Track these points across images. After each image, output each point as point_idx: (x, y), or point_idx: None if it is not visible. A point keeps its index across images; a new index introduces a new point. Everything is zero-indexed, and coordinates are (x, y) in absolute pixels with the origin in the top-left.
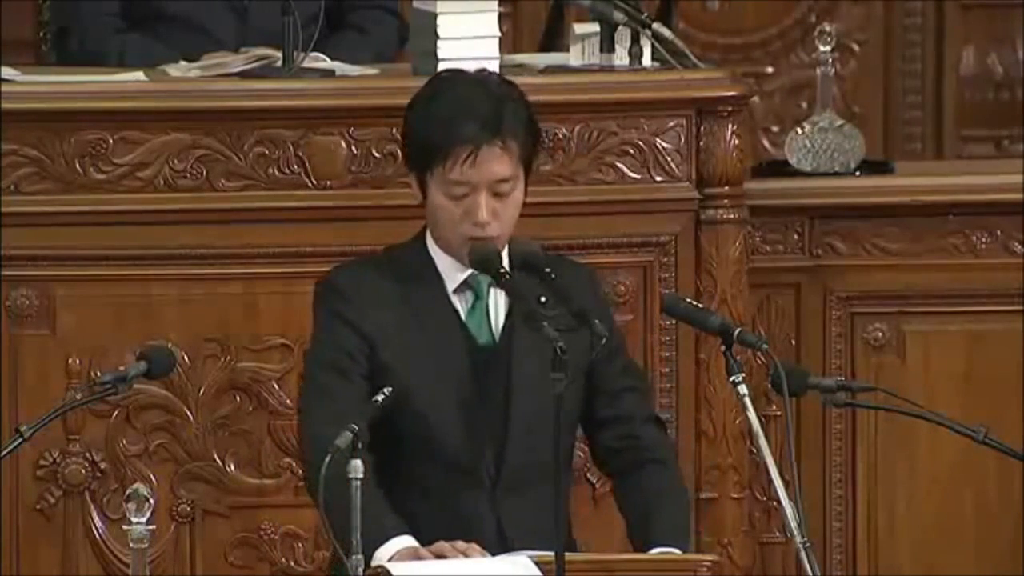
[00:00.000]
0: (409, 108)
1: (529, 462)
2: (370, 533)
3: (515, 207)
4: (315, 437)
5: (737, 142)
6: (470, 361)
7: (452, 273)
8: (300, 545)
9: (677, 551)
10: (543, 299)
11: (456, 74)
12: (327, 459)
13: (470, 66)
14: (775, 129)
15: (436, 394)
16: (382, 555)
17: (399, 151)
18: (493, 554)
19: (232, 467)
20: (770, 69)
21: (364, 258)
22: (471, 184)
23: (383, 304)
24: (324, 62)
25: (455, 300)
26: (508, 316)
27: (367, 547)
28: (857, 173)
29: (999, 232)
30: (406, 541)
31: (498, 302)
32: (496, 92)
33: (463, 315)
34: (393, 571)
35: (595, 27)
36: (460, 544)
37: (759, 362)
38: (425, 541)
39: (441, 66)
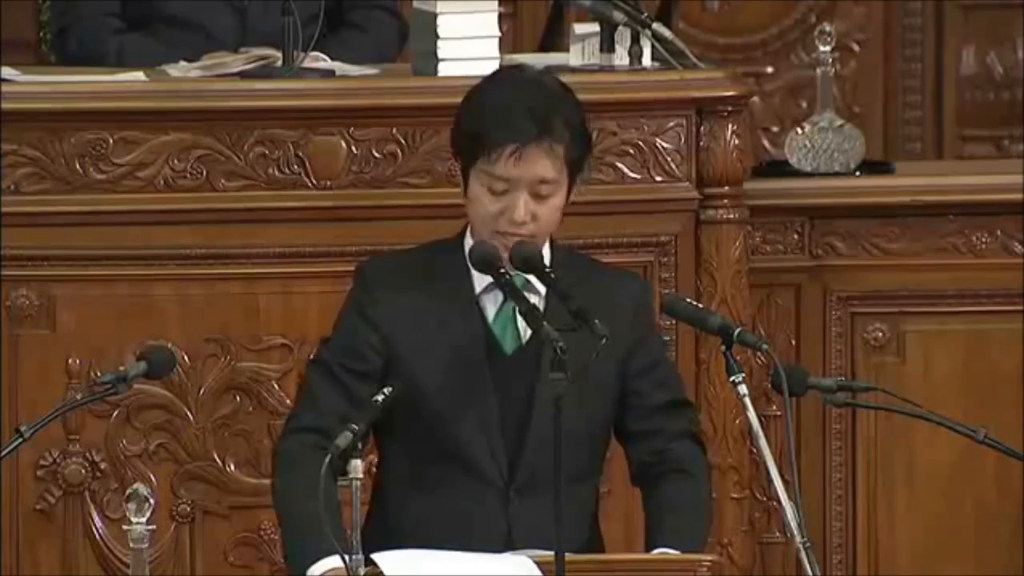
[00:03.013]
0: (465, 99)
1: (544, 467)
2: (309, 545)
3: (554, 210)
4: (297, 416)
5: (737, 142)
6: (490, 362)
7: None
8: None
9: (676, 552)
10: (576, 310)
11: (515, 71)
12: (327, 459)
13: (470, 66)
14: (775, 129)
15: (448, 393)
16: (313, 571)
17: (399, 151)
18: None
19: (232, 467)
20: (770, 69)
21: (402, 250)
22: (512, 181)
23: (407, 300)
24: (324, 62)
25: (483, 301)
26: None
27: (299, 557)
28: (857, 173)
29: (999, 232)
30: (334, 561)
31: None
32: (551, 93)
33: (489, 317)
34: (387, 570)
35: (595, 27)
36: None
37: (759, 362)
38: (432, 541)
39: (441, 66)
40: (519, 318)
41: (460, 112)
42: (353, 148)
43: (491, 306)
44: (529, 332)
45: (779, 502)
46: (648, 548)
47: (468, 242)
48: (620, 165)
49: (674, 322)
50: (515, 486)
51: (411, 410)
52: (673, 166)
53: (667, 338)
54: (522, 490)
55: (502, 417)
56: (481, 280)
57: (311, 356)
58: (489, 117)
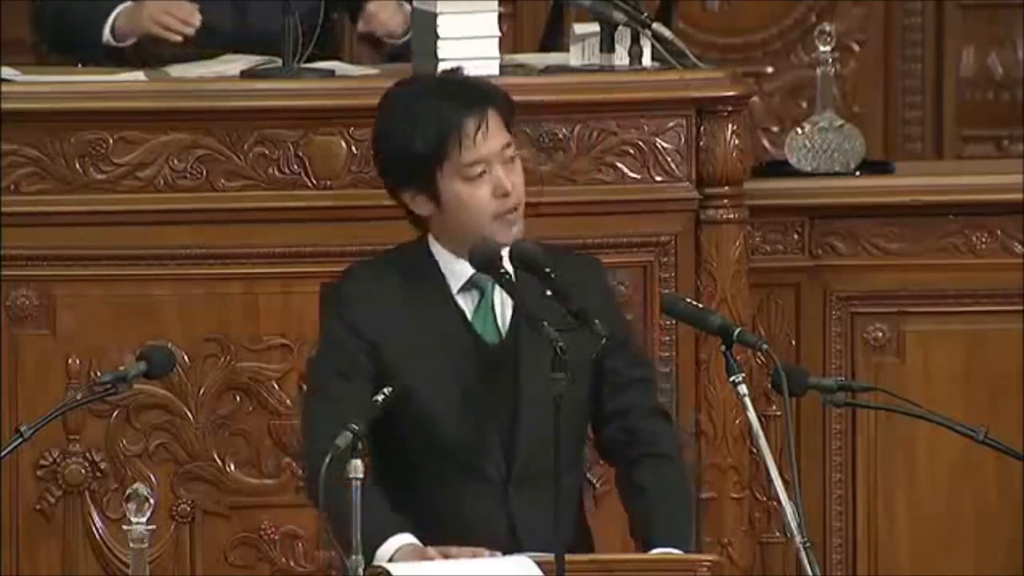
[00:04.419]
0: (383, 135)
1: (539, 461)
2: (371, 532)
3: (522, 174)
4: (316, 441)
5: (737, 142)
6: (477, 360)
7: (456, 273)
8: (300, 545)
9: (677, 551)
10: (547, 292)
11: (407, 81)
12: (327, 459)
13: (470, 66)
14: (775, 129)
15: (442, 394)
16: (383, 553)
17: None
18: (504, 554)
19: (232, 467)
20: (770, 69)
21: (372, 259)
22: (486, 159)
23: (388, 306)
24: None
25: (460, 300)
26: (515, 314)
27: (368, 546)
28: (857, 173)
29: (999, 232)
30: (407, 539)
31: (504, 300)
32: (454, 76)
33: (469, 314)
34: (393, 571)
35: (595, 27)
36: (467, 548)
37: (759, 362)
38: (434, 542)
39: (441, 66)
40: (497, 311)
41: (387, 147)
42: (353, 148)
43: (469, 303)
44: (508, 325)
45: (779, 502)
46: (639, 540)
47: (433, 245)
48: (620, 165)
49: (674, 322)
50: (512, 483)
51: (405, 412)
52: (673, 166)
53: (666, 338)
54: (518, 484)
55: (494, 414)
56: (456, 279)
57: (308, 372)
58: (431, 122)
